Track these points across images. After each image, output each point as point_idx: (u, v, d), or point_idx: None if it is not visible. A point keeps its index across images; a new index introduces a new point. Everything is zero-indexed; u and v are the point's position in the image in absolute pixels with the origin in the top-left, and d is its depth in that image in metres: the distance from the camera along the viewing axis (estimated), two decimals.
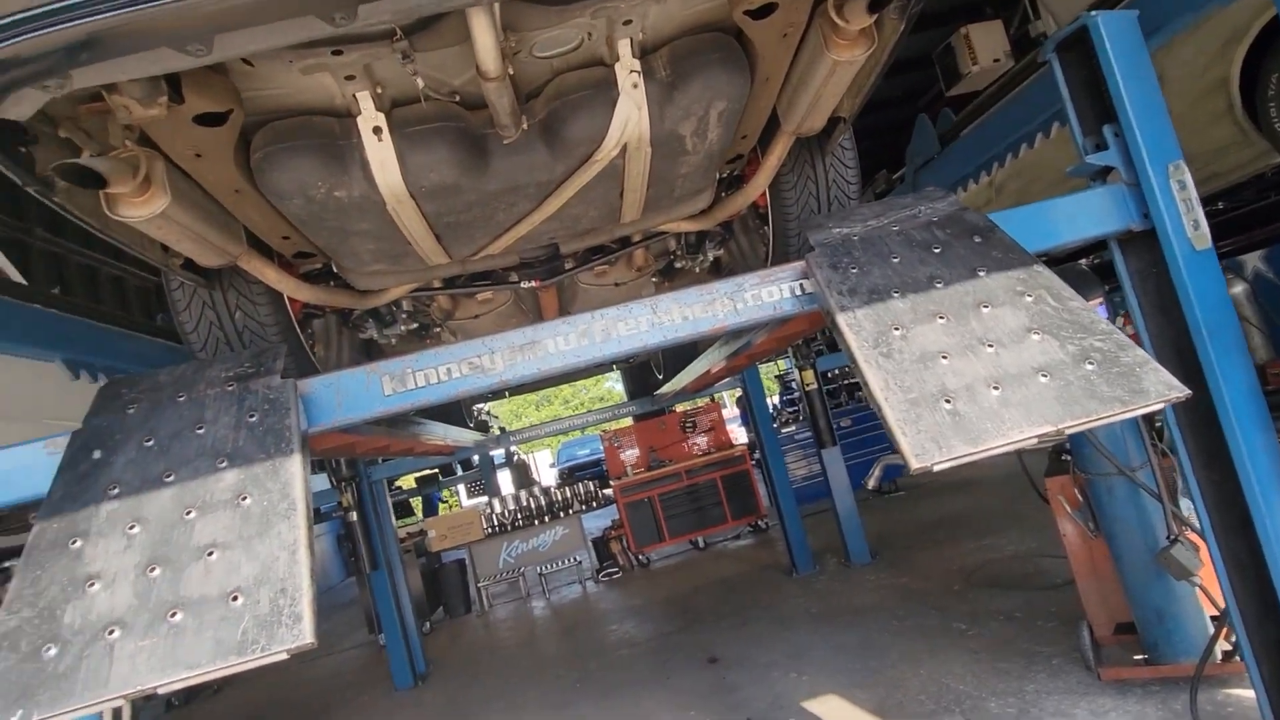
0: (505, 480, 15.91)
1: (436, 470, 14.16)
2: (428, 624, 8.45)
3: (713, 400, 11.01)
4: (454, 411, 6.77)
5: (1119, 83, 2.12)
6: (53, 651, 1.41)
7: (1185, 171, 2.09)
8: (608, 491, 10.05)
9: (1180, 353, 2.13)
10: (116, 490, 1.66)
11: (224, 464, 1.70)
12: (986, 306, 1.81)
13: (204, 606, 1.47)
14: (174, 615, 1.45)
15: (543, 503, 9.75)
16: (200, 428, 1.79)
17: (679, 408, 10.01)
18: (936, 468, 1.58)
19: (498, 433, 10.10)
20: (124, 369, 3.56)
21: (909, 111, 7.55)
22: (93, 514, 1.63)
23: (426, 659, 6.88)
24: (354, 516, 6.63)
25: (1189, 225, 2.08)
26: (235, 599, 1.47)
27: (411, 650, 6.62)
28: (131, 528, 1.59)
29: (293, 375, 1.92)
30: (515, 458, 16.29)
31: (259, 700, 7.41)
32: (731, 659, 5.07)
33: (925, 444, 1.59)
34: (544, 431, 9.68)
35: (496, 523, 9.56)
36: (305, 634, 1.42)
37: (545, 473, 21.78)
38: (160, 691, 1.41)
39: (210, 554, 1.54)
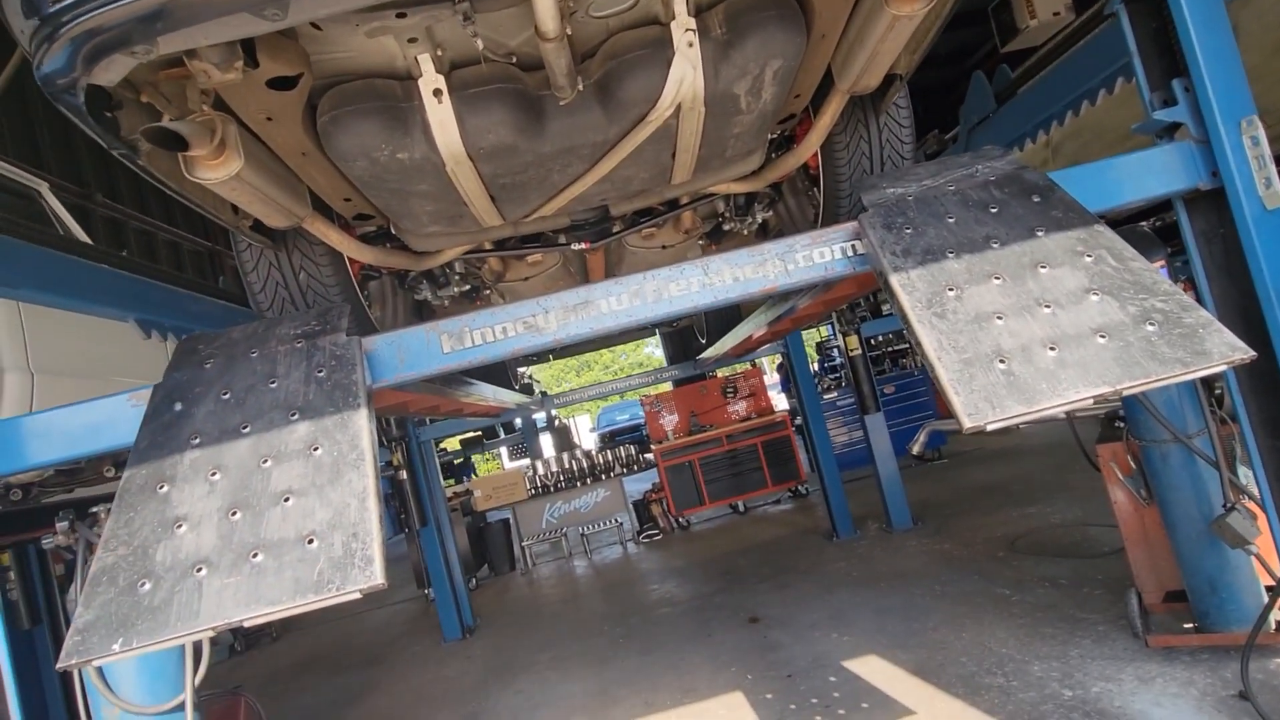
0: (546, 443, 16.17)
1: (480, 432, 14.46)
2: (474, 580, 8.71)
3: (754, 366, 10.99)
4: (500, 375, 6.89)
5: (1191, 34, 2.04)
6: (147, 586, 1.52)
7: (1259, 127, 2.02)
8: (648, 455, 10.16)
9: (1246, 316, 2.08)
10: (198, 440, 1.76)
11: (296, 416, 1.79)
12: (1044, 267, 1.80)
13: (282, 548, 1.56)
14: (255, 556, 1.55)
15: (584, 465, 9.91)
16: (273, 382, 1.87)
17: (720, 373, 10.03)
18: (990, 427, 1.59)
19: (540, 396, 10.25)
20: (191, 329, 3.71)
21: (959, 70, 7.34)
22: (177, 461, 1.73)
23: (473, 613, 7.11)
24: (404, 475, 6.85)
25: (1260, 183, 2.02)
26: (311, 542, 1.56)
27: (460, 604, 6.86)
28: (213, 474, 1.69)
29: (356, 333, 1.99)
30: (556, 421, 16.52)
31: (315, 648, 7.76)
32: (772, 619, 5.15)
33: (979, 404, 1.60)
34: (585, 395, 9.79)
35: (539, 484, 9.76)
36: (376, 575, 1.50)
37: (585, 437, 22.06)
38: (246, 625, 1.51)
39: (286, 500, 1.63)
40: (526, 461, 11.65)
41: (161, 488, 1.68)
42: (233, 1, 1.23)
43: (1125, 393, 1.60)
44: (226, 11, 1.24)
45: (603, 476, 9.78)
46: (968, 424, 1.57)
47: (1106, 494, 3.69)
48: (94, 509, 2.35)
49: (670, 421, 9.86)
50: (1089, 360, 1.62)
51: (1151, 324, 1.65)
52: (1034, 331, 1.69)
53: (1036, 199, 1.95)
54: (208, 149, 1.59)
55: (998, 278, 1.79)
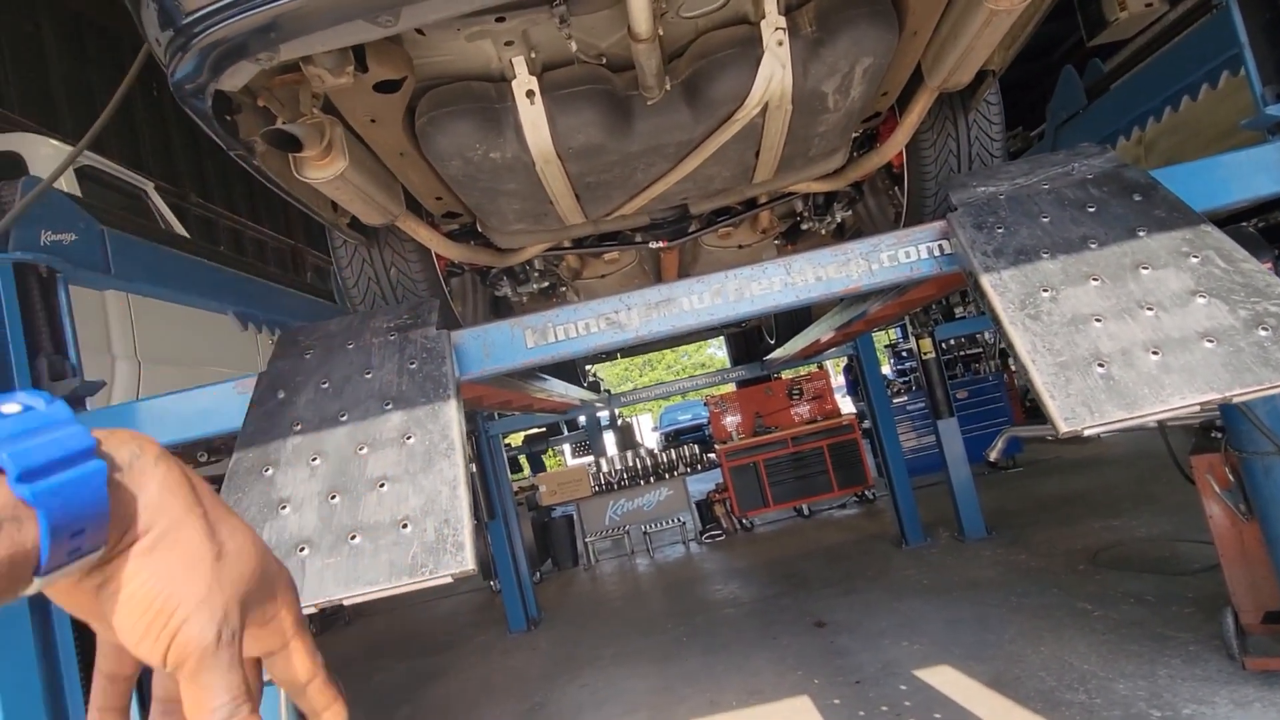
0: (609, 442, 16.28)
1: (544, 429, 14.65)
2: (538, 574, 8.85)
3: (820, 368, 10.84)
4: (569, 372, 7.00)
5: None
6: None
7: None
8: (711, 455, 10.14)
9: None
10: (299, 427, 1.85)
11: (390, 406, 1.87)
12: (1146, 268, 1.73)
13: (378, 532, 1.63)
14: (353, 538, 1.62)
15: (648, 464, 9.95)
16: (368, 373, 1.96)
17: (785, 375, 9.92)
18: (1087, 432, 1.54)
19: (605, 394, 10.35)
20: (281, 321, 3.89)
21: (1042, 65, 7.08)
22: (280, 447, 1.82)
23: (538, 606, 7.23)
24: (473, 468, 7.01)
25: None
26: (405, 526, 1.63)
27: (525, 597, 6.98)
28: (313, 460, 1.78)
29: (444, 327, 2.06)
30: (620, 420, 16.62)
31: (387, 634, 8.02)
32: (840, 624, 5.08)
33: (1075, 408, 1.55)
34: (651, 394, 9.85)
35: (603, 481, 9.84)
36: (467, 561, 1.56)
37: (647, 436, 22.14)
38: (345, 603, 1.59)
39: (381, 486, 1.70)
40: (590, 459, 11.76)
41: (267, 470, 1.77)
42: (349, 10, 1.30)
43: (1235, 400, 1.53)
44: (343, 19, 1.31)
45: (666, 475, 9.79)
46: (1064, 428, 1.52)
47: (1200, 508, 3.51)
48: None
49: (734, 422, 9.82)
50: (1195, 365, 1.56)
51: (1265, 329, 1.57)
52: (1135, 335, 1.63)
53: (1138, 198, 1.89)
54: (316, 150, 1.67)
55: (1096, 279, 1.73)
